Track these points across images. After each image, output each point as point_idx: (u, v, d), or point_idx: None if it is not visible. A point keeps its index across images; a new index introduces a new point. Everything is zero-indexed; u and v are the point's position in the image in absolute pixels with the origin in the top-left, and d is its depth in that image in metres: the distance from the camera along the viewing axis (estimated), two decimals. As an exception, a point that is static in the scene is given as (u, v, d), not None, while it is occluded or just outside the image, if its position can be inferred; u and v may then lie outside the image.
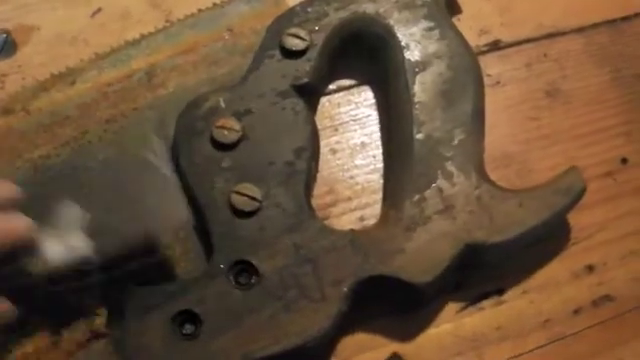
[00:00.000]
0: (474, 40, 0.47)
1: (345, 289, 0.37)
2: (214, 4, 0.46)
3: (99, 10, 0.47)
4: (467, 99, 0.42)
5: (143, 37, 0.44)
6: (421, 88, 0.42)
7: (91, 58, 0.44)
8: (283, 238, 0.38)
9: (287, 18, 0.43)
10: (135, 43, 0.44)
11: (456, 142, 0.41)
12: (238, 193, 0.38)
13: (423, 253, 0.38)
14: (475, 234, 0.39)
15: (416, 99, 0.42)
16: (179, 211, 0.38)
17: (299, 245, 0.38)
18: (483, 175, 0.40)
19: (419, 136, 0.41)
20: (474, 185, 0.40)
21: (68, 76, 0.43)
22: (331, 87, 0.46)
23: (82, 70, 0.43)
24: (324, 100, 0.46)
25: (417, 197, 0.39)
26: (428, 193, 0.39)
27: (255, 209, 0.38)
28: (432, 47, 0.43)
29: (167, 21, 0.46)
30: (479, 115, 0.42)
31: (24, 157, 0.41)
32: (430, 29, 0.43)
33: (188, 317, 0.36)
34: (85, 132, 0.41)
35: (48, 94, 0.42)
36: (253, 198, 0.38)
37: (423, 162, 0.40)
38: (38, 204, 0.39)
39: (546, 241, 0.42)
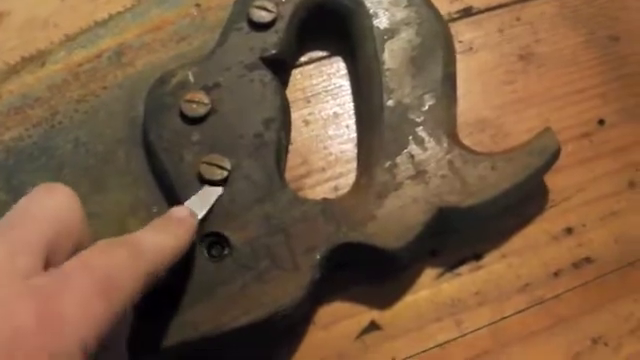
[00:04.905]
0: (446, 7, 0.47)
1: (317, 257, 0.37)
2: (182, -20, 0.46)
3: (69, -7, 0.47)
4: (436, 65, 0.41)
5: (111, 17, 0.44)
6: (390, 55, 0.42)
7: (61, 40, 0.44)
8: (254, 209, 0.38)
9: (254, -10, 0.43)
10: (103, 23, 0.44)
11: (426, 108, 0.40)
12: (206, 163, 0.38)
13: (395, 219, 0.38)
14: (448, 198, 0.38)
15: (385, 66, 0.41)
16: None
17: (270, 215, 0.38)
18: (455, 140, 0.40)
19: (389, 103, 0.41)
20: (445, 149, 0.39)
21: (38, 58, 0.43)
22: (302, 59, 0.46)
23: (52, 52, 0.43)
24: (296, 72, 0.45)
25: (388, 163, 0.39)
26: (399, 159, 0.39)
27: (224, 178, 0.38)
28: (400, 14, 0.43)
29: (137, 0, 0.45)
30: (449, 80, 0.42)
31: (-4, 140, 0.41)
32: (397, -4, 0.43)
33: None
34: (56, 113, 0.42)
35: (19, 76, 0.43)
36: (221, 167, 0.38)
37: (394, 128, 0.40)
38: (11, 186, 0.40)
39: (523, 204, 0.42)
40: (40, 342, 0.25)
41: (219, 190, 0.38)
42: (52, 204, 0.30)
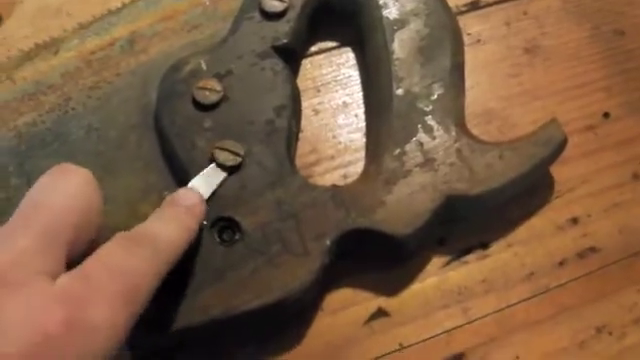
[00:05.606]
0: (454, 0, 0.47)
1: (327, 243, 0.37)
2: (195, -30, 0.46)
3: (82, -19, 0.47)
4: (445, 55, 0.42)
5: (124, 5, 0.45)
6: (399, 45, 0.42)
7: (74, 28, 0.44)
8: (265, 195, 0.38)
9: (266, -20, 0.43)
10: (117, 12, 0.44)
11: (435, 97, 0.41)
12: (220, 149, 0.39)
13: (404, 205, 0.38)
14: (456, 186, 0.39)
15: (395, 56, 0.42)
16: None
17: (281, 201, 0.38)
18: (463, 128, 0.41)
19: (398, 92, 0.41)
20: (454, 138, 0.40)
21: (52, 46, 0.43)
22: (313, 49, 0.46)
23: (65, 39, 0.44)
24: (306, 62, 0.46)
25: (397, 151, 0.40)
26: (408, 147, 0.40)
27: (237, 164, 0.38)
28: (409, 5, 0.43)
29: (150, -11, 0.46)
30: (457, 70, 0.42)
31: (9, 125, 0.41)
32: (407, -13, 0.44)
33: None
34: (69, 99, 0.42)
35: (32, 63, 0.43)
36: (236, 153, 0.39)
37: (403, 117, 0.40)
38: (24, 170, 0.40)
39: (529, 195, 0.42)
40: (69, 350, 0.25)
41: (223, 173, 0.38)
42: (71, 191, 0.30)
